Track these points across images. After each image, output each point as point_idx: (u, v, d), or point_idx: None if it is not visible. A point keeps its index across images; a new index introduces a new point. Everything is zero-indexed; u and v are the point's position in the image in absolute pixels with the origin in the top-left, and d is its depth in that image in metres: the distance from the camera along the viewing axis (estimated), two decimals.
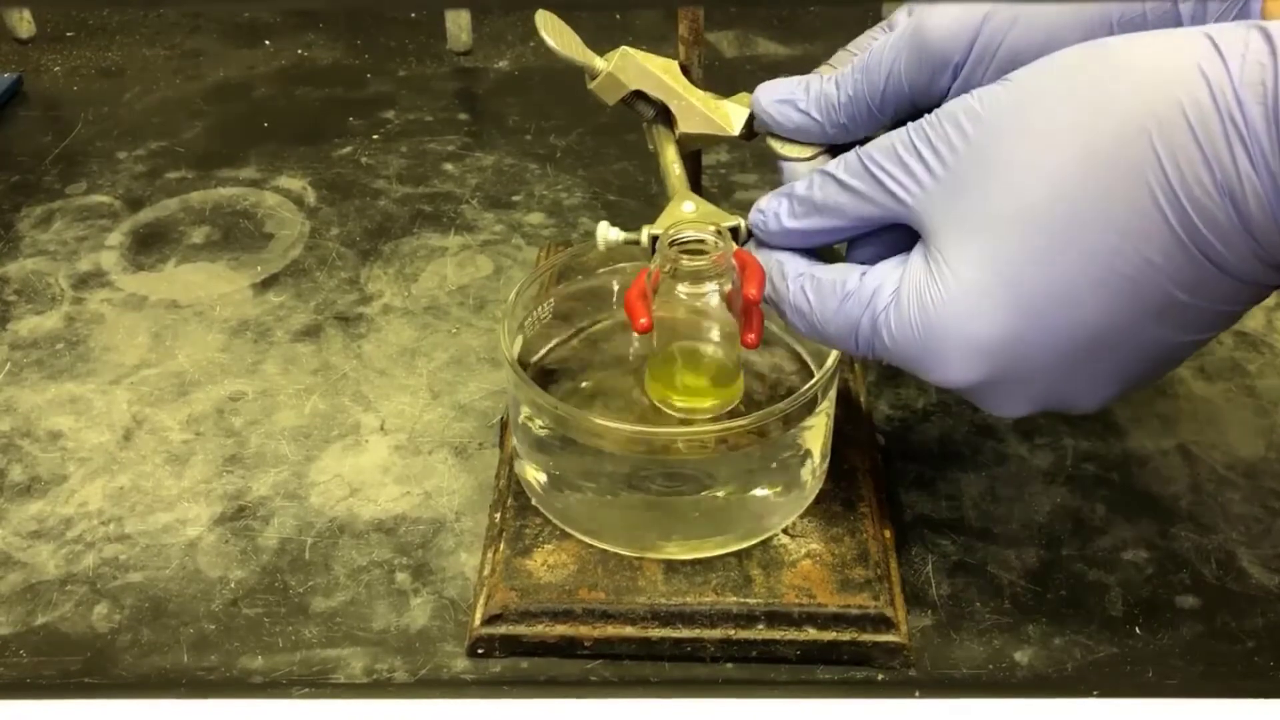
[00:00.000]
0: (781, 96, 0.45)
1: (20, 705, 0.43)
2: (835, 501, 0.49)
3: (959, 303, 0.37)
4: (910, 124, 0.39)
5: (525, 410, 0.48)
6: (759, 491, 0.47)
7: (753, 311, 0.44)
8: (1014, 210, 0.36)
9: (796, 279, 0.42)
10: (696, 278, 0.44)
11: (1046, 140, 0.36)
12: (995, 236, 0.37)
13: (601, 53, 0.48)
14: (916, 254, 0.39)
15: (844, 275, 0.41)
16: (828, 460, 0.50)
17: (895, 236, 0.41)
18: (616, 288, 0.54)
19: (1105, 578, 0.49)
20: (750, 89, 0.47)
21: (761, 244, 0.44)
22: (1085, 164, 0.35)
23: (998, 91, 0.37)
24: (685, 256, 0.44)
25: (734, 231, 0.45)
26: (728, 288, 0.44)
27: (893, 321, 0.39)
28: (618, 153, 0.78)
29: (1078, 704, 0.43)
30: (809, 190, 0.42)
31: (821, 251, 0.44)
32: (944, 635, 0.46)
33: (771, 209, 0.43)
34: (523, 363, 0.52)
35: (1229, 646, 0.46)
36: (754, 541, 0.47)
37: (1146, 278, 0.35)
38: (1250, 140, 0.33)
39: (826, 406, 0.48)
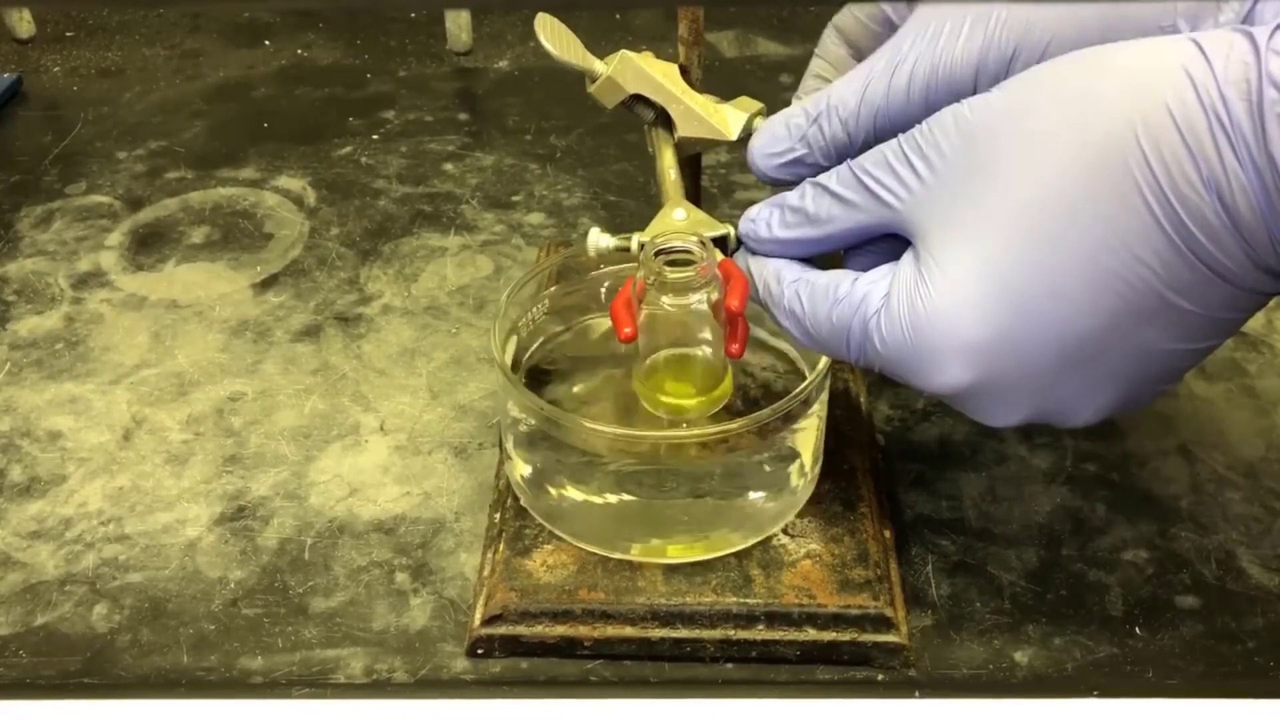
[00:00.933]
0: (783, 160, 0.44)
1: (20, 705, 0.43)
2: (835, 501, 0.49)
3: (949, 302, 0.37)
4: (901, 135, 0.39)
5: (514, 411, 0.48)
6: (748, 495, 0.47)
7: (737, 322, 0.44)
8: (1003, 208, 0.37)
9: (791, 284, 0.42)
10: (680, 289, 0.44)
11: (1035, 140, 0.36)
12: (984, 235, 0.37)
13: (601, 55, 0.48)
14: (907, 258, 0.39)
15: (837, 280, 0.41)
16: (819, 464, 0.49)
17: (890, 248, 0.41)
18: (611, 287, 0.54)
19: (1105, 578, 0.49)
20: (750, 89, 0.47)
21: (753, 253, 0.44)
22: (1073, 162, 0.35)
23: (987, 98, 0.38)
24: (669, 268, 0.44)
25: (722, 241, 0.45)
26: (714, 296, 0.44)
27: (883, 325, 0.39)
28: (618, 153, 0.78)
29: (1078, 704, 0.43)
30: (801, 201, 0.42)
31: (818, 261, 0.44)
32: (944, 635, 0.46)
33: (763, 218, 0.43)
34: (517, 362, 0.52)
35: (1229, 646, 0.46)
36: (745, 545, 0.47)
37: (1137, 276, 0.35)
38: (1235, 135, 0.33)
39: (818, 410, 0.48)
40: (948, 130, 0.38)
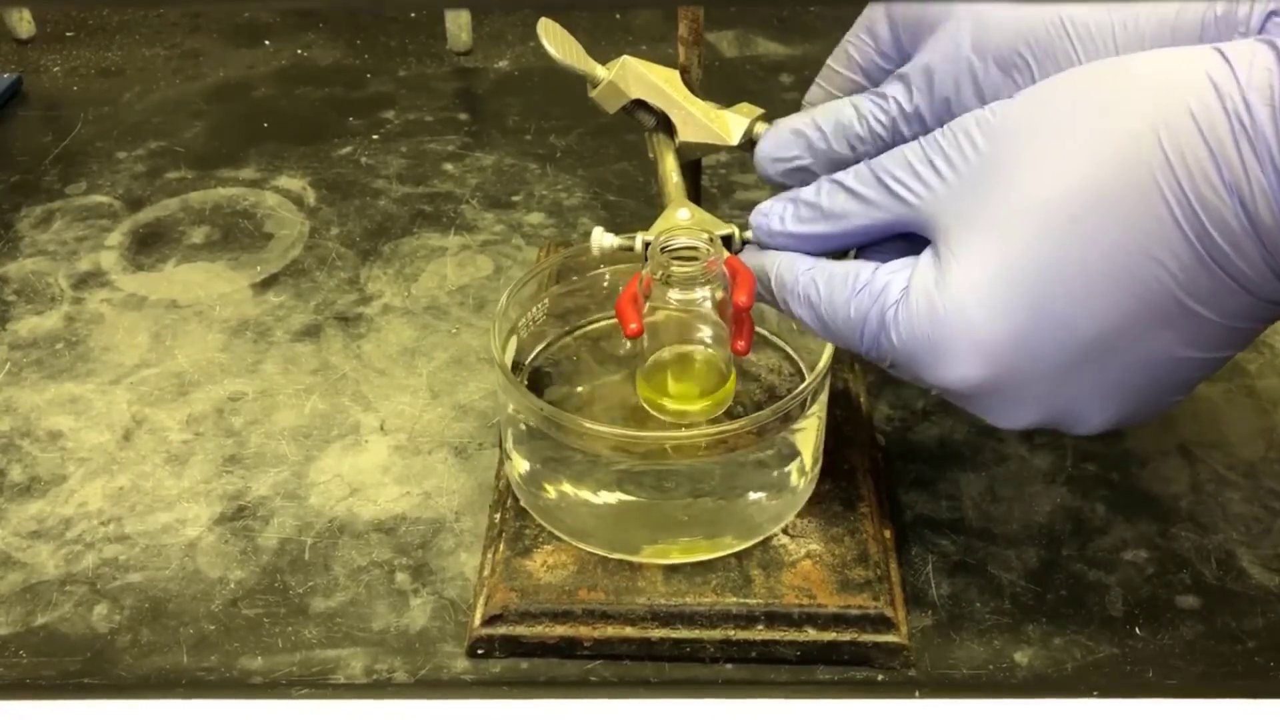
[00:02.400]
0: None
1: (20, 705, 0.43)
2: (835, 501, 0.49)
3: (966, 299, 0.38)
4: (921, 137, 0.40)
5: (514, 411, 0.48)
6: (748, 495, 0.47)
7: (743, 319, 0.45)
8: (1024, 207, 0.37)
9: (807, 271, 0.42)
10: (687, 284, 0.44)
11: (1057, 142, 0.36)
12: (1004, 234, 0.37)
13: (603, 59, 0.48)
14: (926, 254, 0.40)
15: (856, 269, 0.41)
16: (819, 464, 0.49)
17: (902, 248, 0.41)
18: (611, 287, 0.54)
19: (1105, 578, 0.49)
20: (750, 89, 0.47)
21: (763, 246, 0.44)
22: (1095, 163, 0.35)
23: (1009, 103, 0.38)
24: (676, 263, 0.44)
25: (727, 239, 0.45)
26: (719, 294, 0.45)
27: (901, 318, 0.39)
28: (618, 153, 0.78)
29: (1078, 704, 0.43)
30: (816, 196, 0.42)
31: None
32: (944, 635, 0.46)
33: (775, 212, 0.43)
34: (518, 363, 0.52)
35: (1229, 646, 0.46)
36: (745, 545, 0.47)
37: (1155, 279, 0.35)
38: (1257, 139, 0.33)
39: (817, 410, 0.48)
40: (970, 132, 0.38)
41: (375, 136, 0.81)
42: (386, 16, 0.96)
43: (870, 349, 0.41)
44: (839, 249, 0.43)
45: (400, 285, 0.66)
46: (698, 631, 0.45)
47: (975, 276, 0.37)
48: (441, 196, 0.74)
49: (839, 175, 0.42)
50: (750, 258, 0.45)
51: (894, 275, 0.40)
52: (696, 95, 0.48)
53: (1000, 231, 0.37)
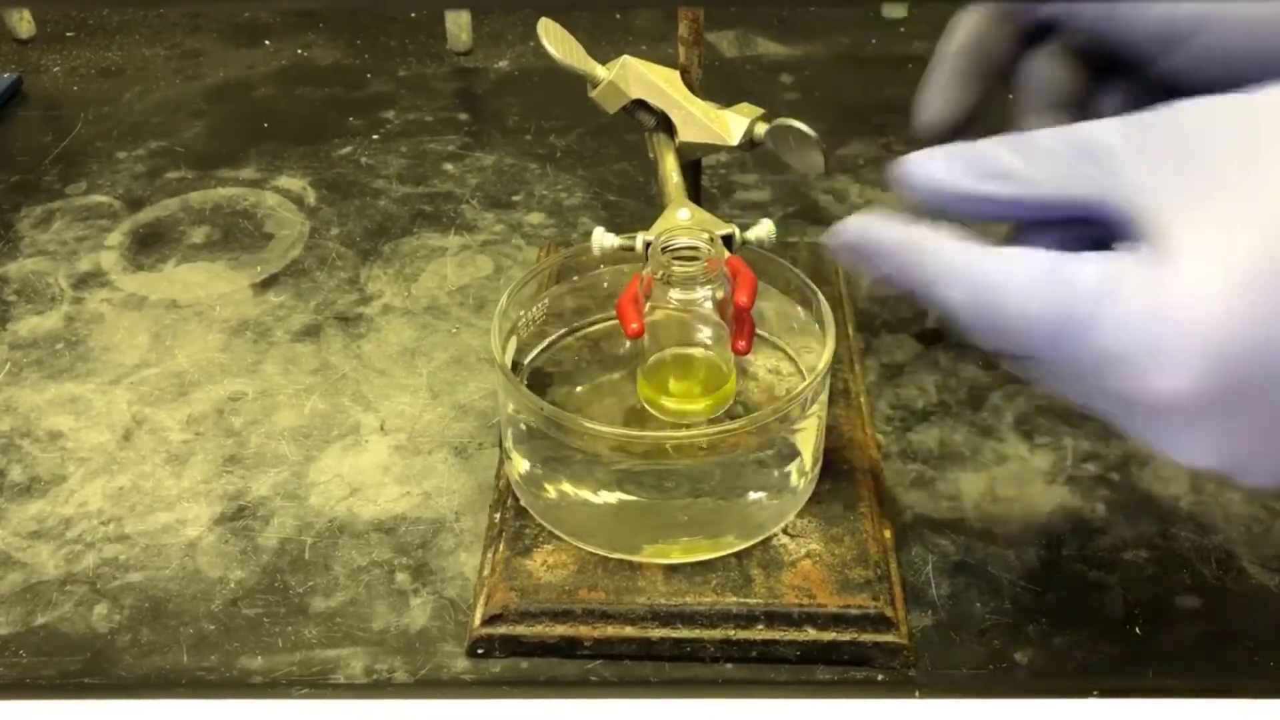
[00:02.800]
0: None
1: (20, 705, 0.43)
2: (835, 501, 0.49)
3: (1204, 297, 0.33)
4: (1126, 115, 0.35)
5: (514, 411, 0.48)
6: (749, 495, 0.47)
7: (744, 318, 0.45)
8: (1272, 211, 0.33)
9: (967, 249, 0.36)
10: (688, 284, 0.44)
11: None
12: (1254, 230, 0.33)
13: (603, 59, 0.48)
14: (1141, 246, 0.34)
15: (1036, 253, 0.35)
16: (819, 464, 0.49)
17: (1065, 237, 0.36)
18: (611, 287, 0.54)
19: (1105, 578, 0.49)
20: (750, 89, 0.47)
21: (910, 199, 0.38)
22: None
23: (1249, 95, 0.34)
24: (677, 263, 0.44)
25: (727, 239, 0.45)
26: (720, 294, 0.45)
27: (1108, 313, 0.34)
28: (618, 153, 0.78)
29: (1078, 704, 0.43)
30: (995, 150, 0.36)
31: None
32: (944, 635, 0.46)
33: (935, 164, 0.37)
34: (517, 363, 0.52)
35: (1229, 646, 0.46)
36: (744, 545, 0.47)
37: None
38: None
39: (817, 410, 0.48)
40: (1201, 119, 0.34)
41: (375, 136, 0.81)
42: (386, 16, 0.96)
43: (1047, 347, 0.35)
44: (1002, 218, 0.37)
45: (400, 285, 0.66)
46: (698, 631, 0.45)
47: (1213, 272, 0.33)
48: (441, 196, 0.74)
49: (1027, 134, 0.36)
50: (885, 229, 0.37)
51: (1091, 265, 0.34)
52: (696, 95, 0.48)
53: (1248, 228, 0.33)
